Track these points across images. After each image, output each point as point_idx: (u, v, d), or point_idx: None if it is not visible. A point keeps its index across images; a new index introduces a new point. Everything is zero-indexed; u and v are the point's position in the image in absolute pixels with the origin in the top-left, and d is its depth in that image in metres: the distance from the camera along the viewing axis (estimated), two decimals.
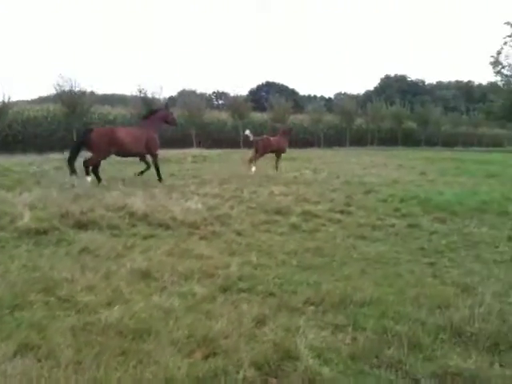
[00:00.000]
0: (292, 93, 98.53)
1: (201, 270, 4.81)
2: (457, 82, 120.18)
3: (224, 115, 43.19)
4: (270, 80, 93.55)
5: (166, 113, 14.02)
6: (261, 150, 15.74)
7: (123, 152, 12.84)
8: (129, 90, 69.74)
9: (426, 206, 8.43)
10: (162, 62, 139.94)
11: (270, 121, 42.66)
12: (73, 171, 11.76)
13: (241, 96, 43.46)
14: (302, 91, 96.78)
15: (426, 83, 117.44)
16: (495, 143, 64.26)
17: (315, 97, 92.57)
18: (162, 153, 14.87)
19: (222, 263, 5.08)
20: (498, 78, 49.11)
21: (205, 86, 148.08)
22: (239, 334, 3.31)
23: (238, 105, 40.80)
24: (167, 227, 6.78)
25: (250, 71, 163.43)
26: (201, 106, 38.66)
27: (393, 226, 7.14)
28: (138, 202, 7.83)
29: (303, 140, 44.18)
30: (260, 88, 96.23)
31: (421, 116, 53.59)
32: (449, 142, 56.49)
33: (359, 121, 50.66)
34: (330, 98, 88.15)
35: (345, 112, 47.43)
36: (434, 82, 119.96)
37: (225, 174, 14.63)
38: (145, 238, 6.25)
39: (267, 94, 66.80)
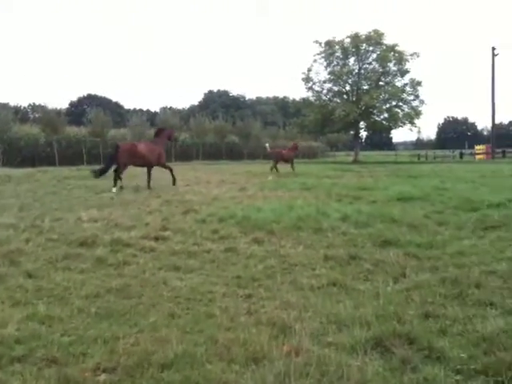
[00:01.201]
0: (116, 106, 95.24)
1: None
2: (274, 97, 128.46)
3: (35, 130, 39.37)
4: (92, 92, 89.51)
5: (171, 131, 17.81)
6: (274, 160, 23.51)
7: (142, 163, 16.13)
8: None
9: (244, 226, 8.09)
10: None
11: (89, 135, 40.16)
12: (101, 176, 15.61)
13: (54, 109, 40.04)
14: (128, 105, 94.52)
15: (247, 98, 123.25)
16: (310, 155, 69.50)
17: (141, 110, 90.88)
18: None
19: None
20: (310, 94, 53.14)
21: (21, 98, 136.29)
22: None
23: (50, 118, 37.51)
24: None
25: (72, 83, 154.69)
26: (7, 119, 34.69)
27: (209, 251, 6.59)
28: None
29: None
30: (81, 101, 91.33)
31: (242, 130, 55.50)
32: (269, 156, 59.41)
33: (184, 135, 50.53)
34: (156, 112, 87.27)
35: (167, 126, 46.77)
36: (254, 98, 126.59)
37: (29, 198, 12.88)
38: None
39: (90, 107, 63.66)
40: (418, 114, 47.59)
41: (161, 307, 4.48)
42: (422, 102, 48.36)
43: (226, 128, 54.35)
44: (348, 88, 50.91)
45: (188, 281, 5.28)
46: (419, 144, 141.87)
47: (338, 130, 53.30)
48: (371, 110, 48.64)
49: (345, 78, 49.58)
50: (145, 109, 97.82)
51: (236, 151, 55.67)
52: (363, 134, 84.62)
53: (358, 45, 48.81)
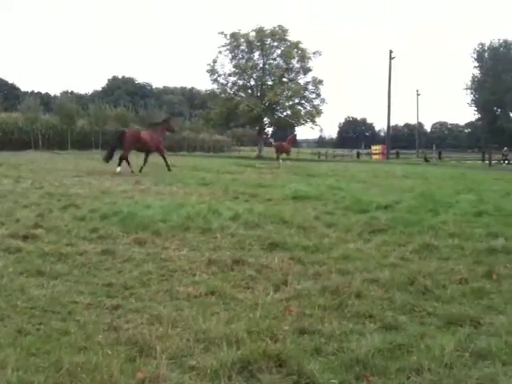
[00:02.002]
0: (12, 88, 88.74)
1: None
2: (182, 87, 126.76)
3: None
4: None
5: (169, 123, 20.43)
6: (277, 151, 27.38)
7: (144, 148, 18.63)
8: None
9: (127, 225, 7.49)
10: None
11: None
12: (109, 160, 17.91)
13: None
14: (26, 87, 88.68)
15: (154, 87, 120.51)
16: (216, 148, 69.28)
17: (39, 94, 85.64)
18: None
19: None
20: (215, 86, 52.79)
21: None
22: None
23: None
24: None
25: None
26: None
27: (83, 253, 5.97)
28: None
29: (18, 141, 39.51)
30: None
31: (145, 119, 53.84)
32: (173, 147, 58.19)
33: (82, 122, 47.96)
34: (55, 96, 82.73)
35: (64, 112, 44.10)
36: (161, 87, 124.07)
37: None
38: None
39: None
40: (319, 112, 49.06)
41: (9, 321, 3.87)
42: (323, 100, 49.97)
43: (128, 116, 52.42)
44: (253, 82, 51.27)
45: (50, 289, 4.66)
46: (321, 142, 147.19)
47: (243, 124, 53.61)
48: (275, 106, 49.34)
49: (249, 72, 49.84)
50: (44, 92, 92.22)
51: None
52: (269, 129, 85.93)
53: (262, 39, 49.26)
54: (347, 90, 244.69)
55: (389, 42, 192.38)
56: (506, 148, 45.55)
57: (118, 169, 17.46)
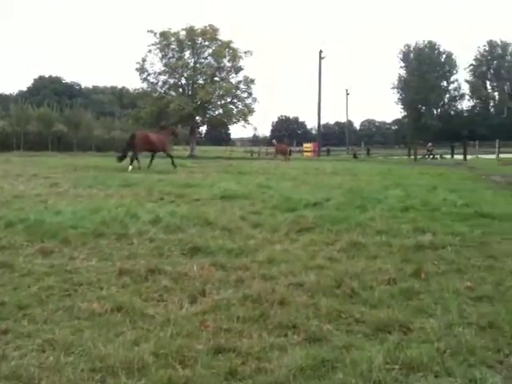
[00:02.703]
0: None
1: None
2: (112, 87, 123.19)
3: None
4: None
5: (174, 128, 24.20)
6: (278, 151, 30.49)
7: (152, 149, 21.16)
8: None
9: (33, 233, 6.75)
10: None
11: None
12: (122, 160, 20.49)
13: None
14: None
15: (83, 86, 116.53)
16: None
17: None
18: None
19: None
20: (145, 85, 51.38)
21: None
22: None
23: None
24: None
25: None
26: None
27: None
28: None
29: None
30: None
31: (71, 119, 51.62)
32: (102, 147, 56.17)
33: (2, 123, 45.22)
34: None
35: None
36: (91, 86, 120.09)
37: None
38: None
39: None
40: (251, 111, 48.90)
41: None
42: (254, 99, 49.81)
43: (52, 116, 49.97)
44: (184, 81, 50.28)
45: None
46: (255, 141, 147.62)
47: (174, 123, 52.37)
48: (206, 105, 48.69)
49: (180, 70, 48.83)
50: None
51: (64, 142, 51.52)
52: (203, 128, 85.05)
53: (193, 38, 48.45)
54: (280, 89, 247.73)
55: (319, 41, 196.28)
56: (430, 143, 47.43)
57: (130, 167, 19.60)
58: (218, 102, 49.12)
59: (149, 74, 50.15)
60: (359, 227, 7.57)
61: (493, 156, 39.22)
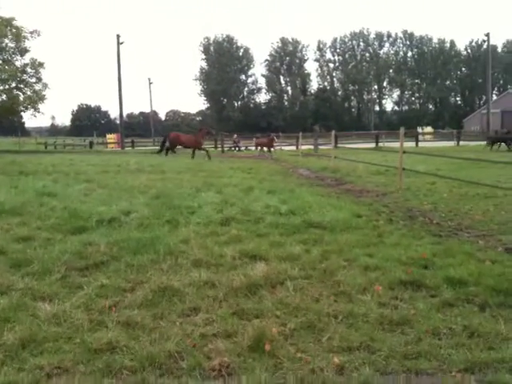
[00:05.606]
0: None
1: None
2: None
3: None
4: None
5: (209, 129, 29.22)
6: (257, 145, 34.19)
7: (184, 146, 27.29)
8: None
9: None
10: None
11: None
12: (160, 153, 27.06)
13: None
14: None
15: None
16: None
17: None
18: None
19: None
20: None
21: None
22: None
23: None
24: None
25: None
26: None
27: None
28: None
29: None
30: None
31: None
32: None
33: None
34: None
35: None
36: None
37: None
38: None
39: None
40: (41, 98, 43.05)
41: None
42: (45, 85, 44.00)
43: None
44: None
45: None
46: (53, 131, 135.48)
47: None
48: None
49: None
50: None
51: None
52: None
53: None
54: (79, 75, 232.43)
55: (117, 26, 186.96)
56: (236, 135, 47.59)
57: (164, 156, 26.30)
58: (1, 87, 42.26)
59: None
60: (170, 256, 5.60)
61: (293, 147, 40.65)
